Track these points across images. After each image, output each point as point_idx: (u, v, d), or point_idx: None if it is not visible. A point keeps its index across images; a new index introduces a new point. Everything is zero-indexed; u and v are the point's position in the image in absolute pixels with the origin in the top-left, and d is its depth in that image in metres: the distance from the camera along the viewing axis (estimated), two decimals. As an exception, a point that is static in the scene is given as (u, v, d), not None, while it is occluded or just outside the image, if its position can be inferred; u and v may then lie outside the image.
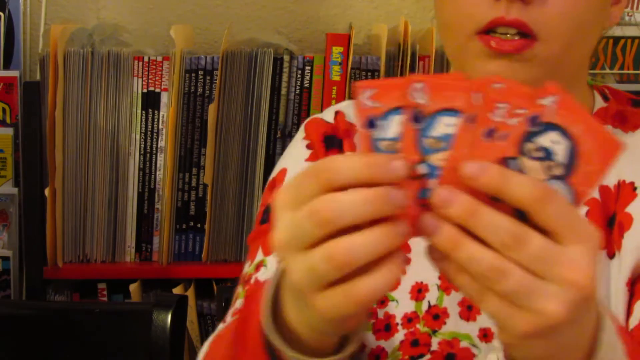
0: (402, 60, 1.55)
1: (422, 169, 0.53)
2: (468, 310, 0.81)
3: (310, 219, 0.52)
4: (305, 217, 0.52)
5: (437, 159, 0.53)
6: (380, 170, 0.52)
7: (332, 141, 0.89)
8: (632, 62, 1.67)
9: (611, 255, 0.80)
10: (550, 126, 0.52)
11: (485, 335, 0.80)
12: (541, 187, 0.51)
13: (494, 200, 0.52)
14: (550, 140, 0.52)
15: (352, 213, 0.51)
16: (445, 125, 0.53)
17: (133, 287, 1.58)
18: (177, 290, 1.59)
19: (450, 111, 0.52)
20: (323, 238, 0.52)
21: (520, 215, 0.52)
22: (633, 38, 1.66)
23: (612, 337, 0.59)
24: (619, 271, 0.79)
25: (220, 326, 0.81)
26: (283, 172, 0.90)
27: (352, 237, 0.52)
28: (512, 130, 0.52)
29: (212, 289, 1.62)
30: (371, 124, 0.53)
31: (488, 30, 0.76)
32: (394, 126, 0.53)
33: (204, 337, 1.63)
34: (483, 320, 0.80)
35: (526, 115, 0.52)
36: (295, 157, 0.91)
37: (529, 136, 0.52)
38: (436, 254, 0.54)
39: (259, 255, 0.85)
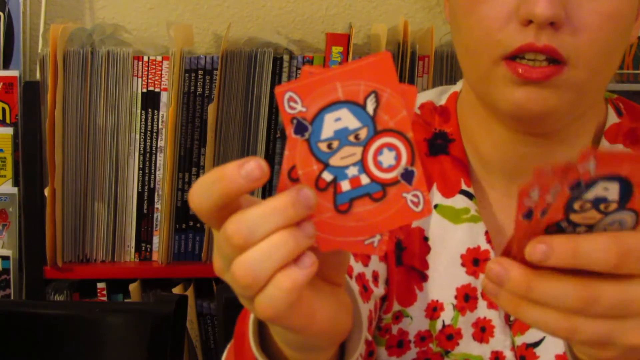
0: (401, 60, 1.55)
1: (327, 176, 0.50)
2: (481, 332, 0.80)
3: (226, 243, 0.49)
4: (222, 241, 0.50)
5: (338, 158, 0.50)
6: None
7: None
8: (632, 62, 1.67)
9: None
10: (595, 181, 0.49)
11: (497, 358, 0.80)
12: (615, 249, 0.49)
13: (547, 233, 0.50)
14: (602, 188, 0.49)
15: (264, 229, 0.48)
16: (334, 122, 0.50)
17: (133, 287, 1.58)
18: (177, 290, 1.59)
19: (332, 105, 0.49)
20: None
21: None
22: (633, 38, 1.66)
23: None
24: None
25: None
26: None
27: (256, 250, 0.49)
28: (553, 202, 0.49)
29: (212, 288, 1.62)
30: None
31: (515, 55, 0.72)
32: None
33: (203, 337, 1.63)
34: (496, 343, 0.79)
35: (567, 184, 0.49)
36: None
37: (574, 199, 0.49)
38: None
39: None
